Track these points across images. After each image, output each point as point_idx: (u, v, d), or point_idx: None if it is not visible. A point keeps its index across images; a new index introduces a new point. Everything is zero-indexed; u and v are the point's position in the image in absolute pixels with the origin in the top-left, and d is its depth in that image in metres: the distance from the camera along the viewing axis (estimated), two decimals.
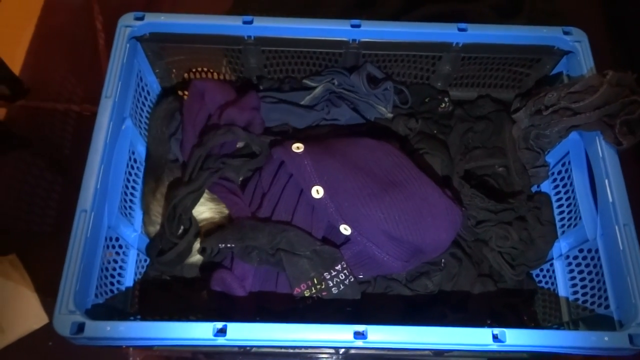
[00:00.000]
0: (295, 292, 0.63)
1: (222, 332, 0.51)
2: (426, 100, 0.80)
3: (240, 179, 0.71)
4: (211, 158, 0.69)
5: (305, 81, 0.78)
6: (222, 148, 0.71)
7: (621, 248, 0.57)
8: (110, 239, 0.62)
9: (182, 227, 0.67)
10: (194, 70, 0.79)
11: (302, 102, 0.78)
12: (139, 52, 0.70)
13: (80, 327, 0.51)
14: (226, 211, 0.69)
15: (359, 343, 0.52)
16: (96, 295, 0.58)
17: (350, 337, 0.51)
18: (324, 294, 0.63)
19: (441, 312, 0.67)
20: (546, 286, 0.72)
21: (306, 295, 0.63)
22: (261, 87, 0.79)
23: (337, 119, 0.77)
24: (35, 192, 0.89)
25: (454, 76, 0.78)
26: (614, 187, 0.60)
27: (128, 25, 0.67)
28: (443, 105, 0.80)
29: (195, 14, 0.69)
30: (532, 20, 0.97)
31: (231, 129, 0.69)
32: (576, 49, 0.68)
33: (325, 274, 0.63)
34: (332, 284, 0.63)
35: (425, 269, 0.69)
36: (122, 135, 0.65)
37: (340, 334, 0.51)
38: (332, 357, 0.77)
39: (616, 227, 0.58)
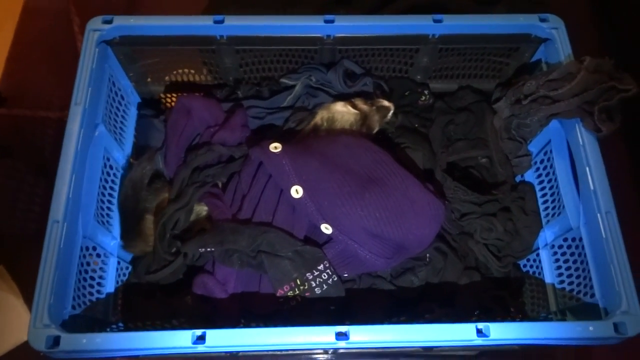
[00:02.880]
0: (278, 294, 0.62)
1: (201, 339, 0.50)
2: (406, 93, 0.79)
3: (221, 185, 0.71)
4: (196, 172, 0.69)
5: (283, 80, 0.77)
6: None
7: (604, 236, 0.57)
8: (87, 249, 0.61)
9: (174, 247, 0.66)
10: (174, 72, 0.78)
11: (285, 104, 0.77)
12: (110, 57, 0.69)
13: (56, 341, 0.50)
14: (204, 212, 0.68)
15: (342, 344, 0.51)
16: (73, 307, 0.57)
17: (332, 338, 0.51)
18: (307, 294, 0.62)
19: (428, 307, 0.66)
20: (533, 276, 0.72)
21: (290, 296, 0.62)
22: (239, 94, 0.78)
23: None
24: (17, 199, 0.88)
25: (433, 68, 0.77)
26: (594, 175, 0.59)
27: (96, 29, 0.65)
28: (423, 98, 0.79)
29: (166, 15, 0.67)
30: (513, 8, 0.96)
31: (212, 147, 0.69)
32: (553, 36, 0.68)
33: (307, 274, 0.62)
34: (315, 284, 0.62)
35: (410, 265, 0.68)
36: (95, 142, 0.63)
37: (321, 336, 0.51)
38: (323, 356, 0.77)
39: (598, 215, 0.58)
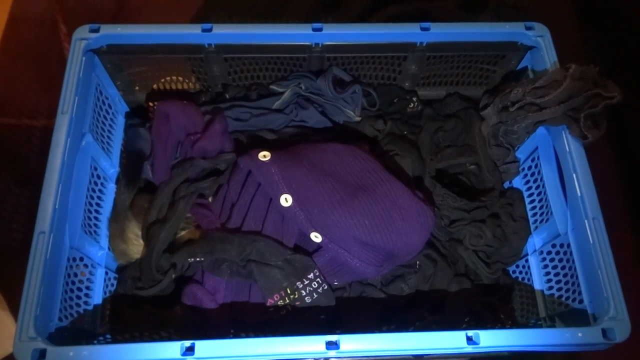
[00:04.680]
0: (268, 303, 0.62)
1: (190, 350, 0.50)
2: (395, 101, 0.79)
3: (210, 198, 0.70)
4: (184, 184, 0.68)
5: (272, 87, 0.77)
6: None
7: (591, 242, 0.57)
8: (74, 259, 0.61)
9: (165, 266, 0.65)
10: (161, 81, 0.78)
11: (272, 107, 0.76)
12: (97, 65, 0.68)
13: (42, 354, 0.50)
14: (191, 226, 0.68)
15: (332, 353, 0.51)
16: (60, 319, 0.56)
17: (323, 347, 0.50)
18: (297, 303, 0.62)
19: (418, 314, 0.66)
20: (522, 282, 0.72)
21: (280, 305, 0.62)
22: (227, 96, 0.77)
23: (304, 121, 0.76)
24: (2, 209, 0.86)
25: (421, 76, 0.78)
26: (581, 181, 0.60)
27: (83, 38, 0.65)
28: (412, 105, 0.79)
29: (154, 24, 0.67)
30: (499, 16, 0.97)
31: (194, 163, 0.69)
32: (539, 44, 0.68)
33: (297, 283, 0.62)
34: (305, 293, 0.62)
35: (400, 272, 0.68)
36: (82, 152, 0.63)
37: (311, 346, 0.50)
38: None
39: (585, 221, 0.58)
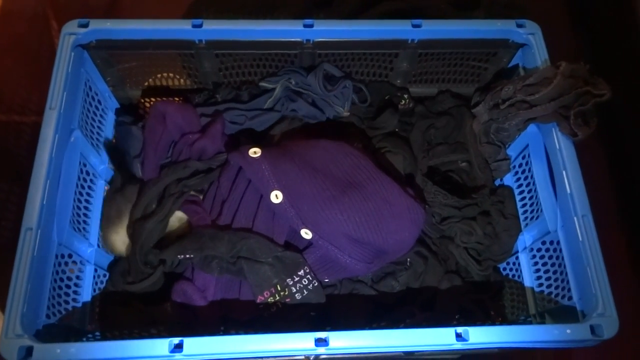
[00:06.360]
0: (258, 300, 0.62)
1: (178, 347, 0.49)
2: (386, 97, 0.79)
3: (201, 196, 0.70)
4: (174, 183, 0.68)
5: (262, 83, 0.76)
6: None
7: (580, 239, 0.57)
8: (62, 256, 0.60)
9: (152, 260, 0.65)
10: (152, 77, 0.77)
11: (265, 107, 0.76)
12: (87, 61, 0.67)
13: (29, 351, 0.49)
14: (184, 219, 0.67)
15: (321, 350, 0.51)
16: (48, 316, 0.56)
17: (312, 344, 0.50)
18: (287, 300, 0.62)
19: (409, 311, 0.66)
20: (512, 279, 0.72)
21: (270, 302, 0.62)
22: (218, 97, 0.77)
23: (294, 110, 0.76)
24: None
25: (412, 73, 0.77)
26: (571, 179, 0.60)
27: (72, 33, 0.64)
28: (403, 102, 0.79)
29: (144, 19, 0.67)
30: (491, 13, 0.97)
31: (187, 164, 0.68)
32: (530, 42, 0.68)
33: (288, 280, 0.62)
34: (295, 290, 0.62)
35: (391, 269, 0.68)
36: (70, 148, 0.62)
37: (300, 343, 0.50)
38: None
39: (575, 219, 0.58)
